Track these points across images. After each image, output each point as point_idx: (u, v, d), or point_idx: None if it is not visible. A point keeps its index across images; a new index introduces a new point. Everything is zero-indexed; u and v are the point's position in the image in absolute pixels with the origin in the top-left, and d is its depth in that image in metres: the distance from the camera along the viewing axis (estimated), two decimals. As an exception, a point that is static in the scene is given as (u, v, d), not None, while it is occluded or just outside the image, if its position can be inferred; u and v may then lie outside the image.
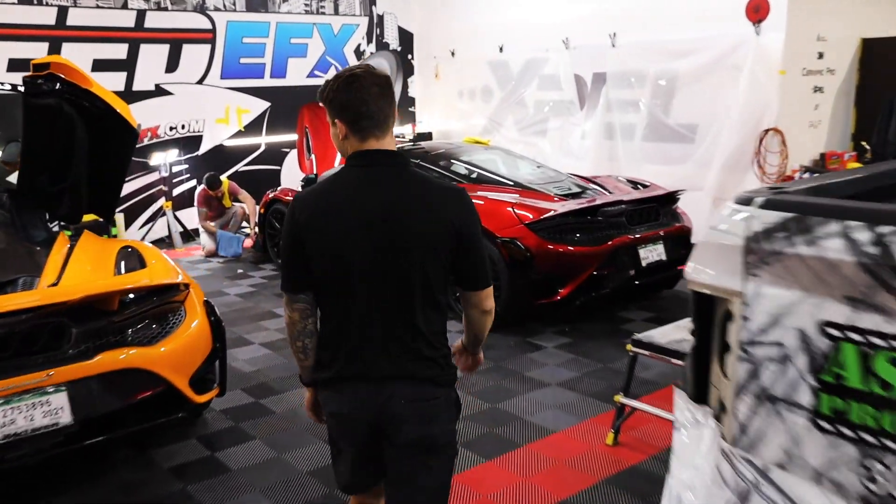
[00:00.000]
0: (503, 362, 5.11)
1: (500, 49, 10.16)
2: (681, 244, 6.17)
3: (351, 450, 2.24)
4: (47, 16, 8.28)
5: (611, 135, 8.90)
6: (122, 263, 3.97)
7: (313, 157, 7.94)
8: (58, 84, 4.55)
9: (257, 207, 8.38)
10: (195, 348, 3.80)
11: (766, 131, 7.41)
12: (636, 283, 5.81)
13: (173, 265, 4.07)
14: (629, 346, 3.94)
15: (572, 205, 5.71)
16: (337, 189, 2.11)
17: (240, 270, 7.96)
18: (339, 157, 7.75)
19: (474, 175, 6.53)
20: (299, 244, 2.10)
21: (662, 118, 8.36)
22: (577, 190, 6.31)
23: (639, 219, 5.89)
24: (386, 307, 2.08)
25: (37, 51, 7.95)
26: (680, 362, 3.75)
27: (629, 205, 5.86)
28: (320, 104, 2.16)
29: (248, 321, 6.18)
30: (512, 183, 6.30)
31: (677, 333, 3.98)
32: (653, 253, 5.84)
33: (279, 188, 8.16)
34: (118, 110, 4.67)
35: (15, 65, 7.92)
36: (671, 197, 6.23)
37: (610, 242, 5.57)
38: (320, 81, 9.58)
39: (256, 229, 8.36)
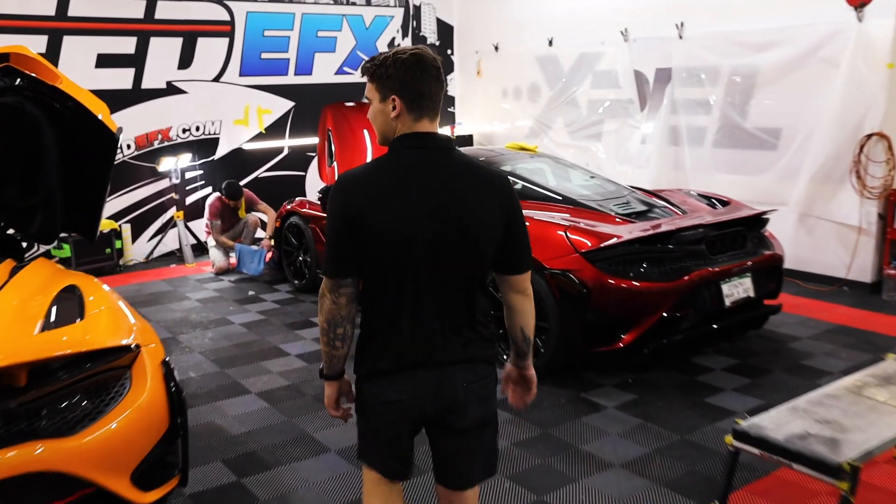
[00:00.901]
0: (552, 429, 4.07)
1: (550, 42, 9.17)
2: (771, 277, 5.05)
3: (395, 435, 2.17)
4: (46, 5, 7.49)
5: (676, 140, 7.82)
6: (54, 311, 3.04)
7: (335, 164, 6.99)
8: (18, 79, 3.83)
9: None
10: (142, 430, 2.85)
11: (869, 136, 6.26)
12: (715, 326, 4.72)
13: (125, 317, 3.15)
14: (729, 440, 2.88)
15: (640, 229, 4.63)
16: (392, 171, 2.07)
17: (251, 292, 7.04)
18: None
19: (518, 187, 5.49)
20: (352, 227, 2.04)
21: (738, 121, 7.24)
22: (642, 208, 5.23)
23: (721, 246, 4.78)
24: (444, 291, 2.09)
25: (34, 44, 7.17)
26: (806, 470, 2.67)
27: (710, 229, 4.76)
28: (365, 78, 2.12)
29: (249, 361, 5.23)
30: (562, 198, 5.25)
31: (797, 421, 2.90)
32: (738, 289, 4.73)
33: (296, 200, 7.25)
34: (93, 111, 3.92)
35: (9, 61, 7.14)
36: (759, 218, 5.11)
37: (686, 277, 4.48)
38: (350, 79, 8.43)
39: (272, 242, 7.45)
